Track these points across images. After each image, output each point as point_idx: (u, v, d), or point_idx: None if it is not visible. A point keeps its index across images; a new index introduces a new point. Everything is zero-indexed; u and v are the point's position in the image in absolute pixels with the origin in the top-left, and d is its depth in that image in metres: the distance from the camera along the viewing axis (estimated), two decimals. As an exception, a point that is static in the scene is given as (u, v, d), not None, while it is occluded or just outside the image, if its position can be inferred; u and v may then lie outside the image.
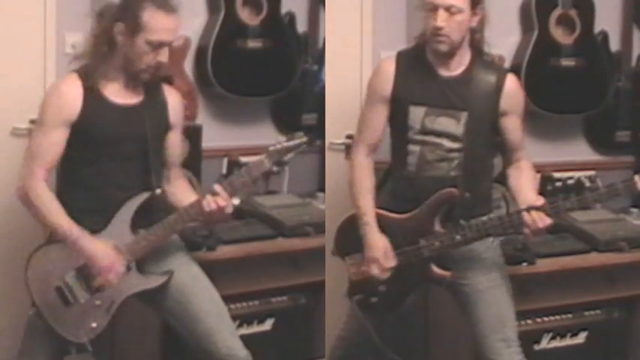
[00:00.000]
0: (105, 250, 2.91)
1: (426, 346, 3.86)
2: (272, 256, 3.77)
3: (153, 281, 2.97)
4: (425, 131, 3.05)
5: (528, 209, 2.95)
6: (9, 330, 3.49)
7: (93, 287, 2.94)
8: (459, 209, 3.02)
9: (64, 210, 2.90)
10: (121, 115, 2.95)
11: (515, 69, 3.89)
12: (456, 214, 3.02)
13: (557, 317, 3.66)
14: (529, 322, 3.58)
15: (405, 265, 3.06)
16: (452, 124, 3.03)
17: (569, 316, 3.69)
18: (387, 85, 3.08)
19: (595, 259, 3.73)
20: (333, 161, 3.74)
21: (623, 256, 3.74)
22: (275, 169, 2.95)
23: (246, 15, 4.06)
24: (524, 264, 3.57)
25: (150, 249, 2.95)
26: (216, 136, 4.05)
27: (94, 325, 2.94)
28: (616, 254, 3.74)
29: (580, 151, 4.27)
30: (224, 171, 4.03)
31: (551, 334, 3.64)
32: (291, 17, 4.20)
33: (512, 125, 3.10)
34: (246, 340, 3.06)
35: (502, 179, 3.25)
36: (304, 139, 2.98)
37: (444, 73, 3.05)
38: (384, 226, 3.08)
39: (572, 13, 4.03)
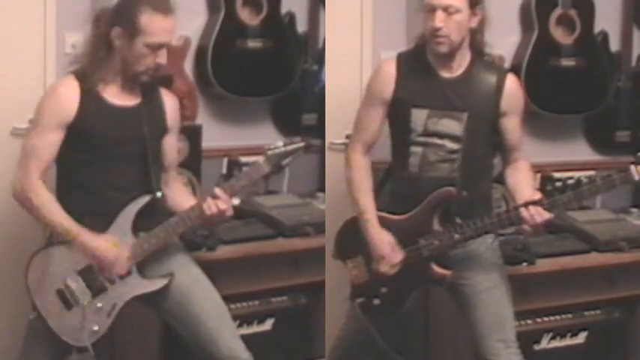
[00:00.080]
0: (107, 244, 2.91)
1: (426, 346, 3.86)
2: (272, 256, 3.77)
3: (154, 284, 2.97)
4: (427, 133, 3.04)
5: (526, 204, 2.95)
6: (8, 331, 3.49)
7: (95, 290, 2.93)
8: (458, 209, 3.02)
9: (63, 210, 2.90)
10: (120, 117, 2.95)
11: (515, 69, 3.89)
12: (455, 214, 3.02)
13: (557, 317, 3.67)
14: (529, 322, 3.58)
15: (406, 266, 3.06)
16: (454, 126, 3.03)
17: (569, 316, 3.69)
18: (387, 87, 3.07)
19: (595, 259, 3.74)
20: (333, 161, 3.74)
21: (623, 256, 3.74)
22: (274, 171, 2.97)
23: (246, 15, 4.05)
24: (524, 264, 3.58)
25: (151, 252, 2.95)
26: (216, 136, 4.04)
27: (95, 328, 2.93)
28: (616, 254, 3.74)
29: (580, 151, 4.27)
30: (224, 171, 4.02)
31: (551, 334, 3.64)
32: (291, 17, 4.20)
33: (512, 125, 3.10)
34: (246, 340, 3.06)
35: (502, 179, 3.25)
36: (302, 144, 2.99)
37: (444, 74, 3.05)
38: (383, 227, 3.07)
39: (572, 13, 4.03)
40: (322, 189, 3.98)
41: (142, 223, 2.95)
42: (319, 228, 3.79)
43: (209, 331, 2.98)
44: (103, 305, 2.93)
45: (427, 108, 3.04)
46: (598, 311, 3.73)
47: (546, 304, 3.63)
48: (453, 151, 3.05)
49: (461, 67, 3.06)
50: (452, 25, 2.95)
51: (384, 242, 3.06)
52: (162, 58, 2.91)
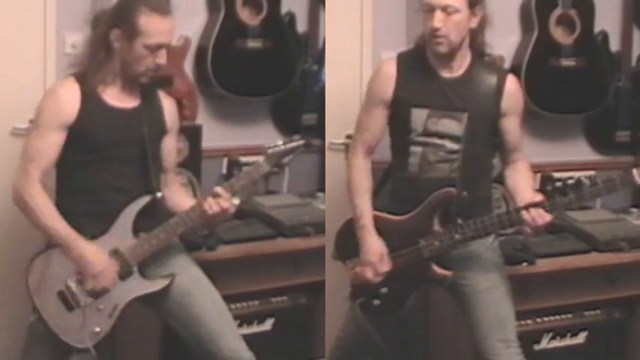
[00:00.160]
0: (99, 255, 2.90)
1: (426, 346, 3.86)
2: (272, 256, 3.77)
3: (155, 285, 2.97)
4: (427, 133, 3.04)
5: (527, 207, 2.95)
6: (8, 331, 3.49)
7: (95, 291, 2.93)
8: (458, 210, 3.02)
9: (59, 213, 2.89)
10: (120, 119, 2.95)
11: (515, 69, 3.90)
12: (455, 214, 3.02)
13: (557, 317, 3.67)
14: (529, 322, 3.58)
15: (406, 266, 3.06)
16: (454, 126, 3.03)
17: (569, 316, 3.69)
18: (388, 87, 3.07)
19: (595, 259, 3.74)
20: (333, 161, 3.74)
21: (623, 256, 3.74)
22: (274, 170, 2.97)
23: (246, 15, 4.05)
24: (524, 264, 3.58)
25: (151, 252, 2.95)
26: (216, 136, 4.04)
27: (97, 329, 2.93)
28: (616, 254, 3.74)
29: (580, 151, 4.27)
30: (224, 171, 4.03)
31: (551, 334, 3.64)
32: (291, 17, 4.20)
33: (512, 126, 3.10)
34: (246, 340, 3.06)
35: (502, 179, 3.25)
36: (302, 142, 2.99)
37: (445, 74, 3.05)
38: (383, 228, 3.08)
39: (572, 13, 4.03)
40: (322, 189, 3.98)
41: (143, 223, 2.95)
42: (319, 228, 3.79)
43: (210, 332, 2.98)
44: (104, 306, 2.93)
45: (427, 108, 3.03)
46: (598, 311, 3.73)
47: (546, 304, 3.63)
48: (452, 152, 3.04)
49: (461, 67, 3.05)
50: (451, 25, 2.95)
51: (375, 251, 3.06)
52: (161, 58, 2.91)
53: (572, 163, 4.15)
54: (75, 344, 2.94)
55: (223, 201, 2.91)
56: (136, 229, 2.95)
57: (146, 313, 3.17)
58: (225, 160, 4.04)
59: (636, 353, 3.80)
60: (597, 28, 4.11)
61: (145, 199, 2.95)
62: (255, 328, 3.74)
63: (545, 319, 3.64)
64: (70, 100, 2.90)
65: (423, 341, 3.86)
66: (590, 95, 4.13)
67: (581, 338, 3.70)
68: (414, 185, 3.07)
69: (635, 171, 2.90)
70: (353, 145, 3.17)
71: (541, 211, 2.93)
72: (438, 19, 2.94)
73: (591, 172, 4.07)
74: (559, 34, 4.03)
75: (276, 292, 3.80)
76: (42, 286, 2.95)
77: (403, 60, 3.11)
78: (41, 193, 2.89)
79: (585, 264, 3.70)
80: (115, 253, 2.93)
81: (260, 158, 2.98)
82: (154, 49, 2.88)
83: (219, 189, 2.92)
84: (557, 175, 4.01)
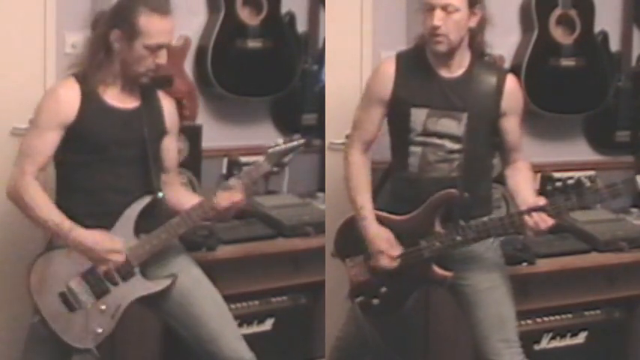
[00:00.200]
0: (100, 236, 2.89)
1: (426, 346, 3.86)
2: (272, 256, 3.77)
3: (157, 285, 2.96)
4: (427, 133, 3.04)
5: (529, 211, 2.94)
6: (8, 331, 3.48)
7: (98, 292, 2.92)
8: (459, 210, 3.02)
9: (57, 208, 2.89)
10: (120, 119, 2.95)
11: (515, 69, 3.90)
12: (456, 214, 3.02)
13: (557, 317, 3.67)
14: (529, 322, 3.58)
15: (406, 266, 3.06)
16: (453, 126, 3.03)
17: (569, 316, 3.69)
18: (386, 86, 3.07)
19: (595, 259, 3.74)
20: (333, 161, 3.73)
21: (623, 256, 3.74)
22: (275, 169, 2.97)
23: (246, 15, 4.05)
24: (524, 264, 3.58)
25: (153, 253, 2.95)
26: (216, 136, 4.04)
27: (99, 330, 2.93)
28: (616, 254, 3.74)
29: (580, 151, 4.27)
30: (224, 171, 4.03)
31: (551, 334, 3.64)
32: (291, 17, 4.20)
33: (512, 126, 3.10)
34: (246, 340, 3.06)
35: (502, 179, 3.25)
36: (302, 141, 2.99)
37: (444, 74, 3.05)
38: (384, 227, 3.07)
39: (572, 13, 4.03)
40: (322, 189, 3.98)
41: (144, 224, 2.95)
42: (319, 228, 3.79)
43: (211, 332, 2.98)
44: (106, 307, 2.93)
45: (426, 107, 3.03)
46: (598, 311, 3.73)
47: (546, 304, 3.63)
48: (452, 151, 3.04)
49: (461, 67, 3.05)
50: (450, 24, 2.95)
51: (382, 237, 3.06)
52: (162, 58, 2.91)
53: (572, 163, 4.15)
54: (77, 345, 2.93)
55: (236, 194, 2.91)
56: (137, 229, 2.94)
57: (146, 313, 3.17)
58: (225, 160, 4.04)
59: (636, 353, 3.80)
60: (597, 28, 4.11)
61: (145, 200, 2.95)
62: (255, 328, 3.74)
63: (545, 319, 3.64)
64: (70, 100, 2.90)
65: (423, 341, 3.86)
66: (590, 95, 4.13)
67: (581, 338, 3.71)
68: (414, 185, 3.07)
69: (639, 178, 2.90)
70: (350, 142, 3.17)
71: (544, 215, 2.93)
72: (438, 18, 2.94)
73: (591, 172, 4.07)
74: (559, 34, 4.03)
75: (276, 292, 3.80)
76: (43, 287, 2.94)
77: (402, 59, 3.11)
78: (36, 187, 2.88)
79: (585, 264, 3.70)
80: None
81: (260, 158, 2.98)
82: (154, 49, 2.88)
83: (232, 181, 2.93)
84: (557, 175, 4.01)
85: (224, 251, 3.66)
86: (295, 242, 3.83)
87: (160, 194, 2.98)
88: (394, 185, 3.17)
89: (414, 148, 3.07)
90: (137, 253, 2.93)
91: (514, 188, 3.12)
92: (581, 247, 3.76)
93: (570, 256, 3.70)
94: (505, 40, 3.96)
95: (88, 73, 2.93)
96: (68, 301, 2.93)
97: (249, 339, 3.08)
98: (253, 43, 4.06)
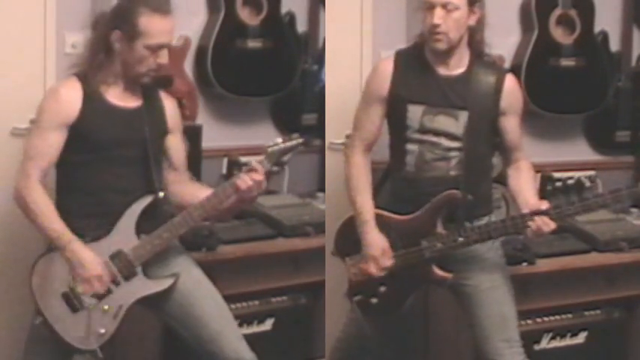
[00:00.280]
0: (94, 260, 2.88)
1: (426, 346, 3.86)
2: (272, 256, 3.77)
3: (159, 284, 2.96)
4: (423, 130, 3.04)
5: (532, 214, 2.94)
6: (8, 331, 3.48)
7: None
8: (459, 210, 3.02)
9: (58, 214, 2.88)
10: (122, 119, 2.95)
11: (515, 69, 3.89)
12: (459, 216, 3.02)
13: (557, 317, 3.67)
14: (529, 322, 3.58)
15: (407, 266, 3.06)
16: (450, 123, 3.03)
17: (569, 316, 3.69)
18: (384, 84, 3.08)
19: (595, 259, 3.74)
20: (333, 161, 3.73)
21: (623, 256, 3.74)
22: (275, 169, 2.97)
23: (246, 15, 4.06)
24: (524, 264, 3.58)
25: (155, 252, 2.94)
26: (216, 136, 4.04)
27: (102, 331, 2.92)
28: (616, 254, 3.75)
29: (580, 151, 4.27)
30: (224, 171, 4.02)
31: (551, 334, 3.64)
32: (291, 17, 4.20)
33: (512, 125, 3.10)
34: (246, 340, 3.05)
35: (502, 179, 3.25)
36: (301, 140, 2.99)
37: (442, 72, 3.05)
38: (384, 226, 3.08)
39: (572, 13, 4.03)
40: (322, 189, 3.98)
41: (145, 224, 2.94)
42: (319, 228, 3.79)
43: (211, 333, 2.97)
44: (108, 307, 2.92)
45: (423, 104, 3.03)
46: (598, 311, 3.73)
47: (546, 304, 3.63)
48: (449, 149, 3.04)
49: (459, 65, 3.06)
50: (450, 22, 2.96)
51: (377, 245, 3.06)
52: (163, 58, 2.91)
53: (572, 163, 4.15)
54: (80, 346, 2.93)
55: (257, 174, 2.90)
56: (139, 229, 2.94)
57: (146, 314, 3.17)
58: (225, 160, 4.04)
59: (636, 353, 3.80)
60: (597, 28, 4.11)
61: (147, 200, 2.95)
62: (255, 328, 3.74)
63: (546, 319, 3.64)
64: (71, 99, 2.90)
65: (423, 341, 3.86)
66: (590, 95, 4.13)
67: (581, 338, 3.70)
68: (413, 185, 3.07)
69: None
70: (351, 142, 3.17)
71: (546, 219, 2.93)
72: (438, 16, 2.95)
73: (591, 172, 4.07)
74: (559, 34, 4.03)
75: (276, 292, 3.80)
76: (45, 288, 2.94)
77: (401, 57, 3.11)
78: (41, 193, 2.88)
79: (585, 264, 3.70)
80: (119, 254, 2.92)
81: (260, 157, 2.98)
82: (155, 49, 2.88)
83: (255, 162, 2.92)
84: (557, 175, 4.01)
85: (224, 251, 3.66)
86: (295, 242, 3.83)
87: (161, 194, 2.97)
88: (393, 185, 3.17)
89: (411, 146, 3.06)
90: (139, 253, 2.93)
91: (515, 188, 3.12)
92: (581, 247, 3.76)
93: (570, 256, 3.70)
94: (505, 40, 3.96)
95: (89, 73, 2.93)
96: (71, 301, 2.92)
97: (250, 339, 3.08)
98: (253, 43, 4.06)
